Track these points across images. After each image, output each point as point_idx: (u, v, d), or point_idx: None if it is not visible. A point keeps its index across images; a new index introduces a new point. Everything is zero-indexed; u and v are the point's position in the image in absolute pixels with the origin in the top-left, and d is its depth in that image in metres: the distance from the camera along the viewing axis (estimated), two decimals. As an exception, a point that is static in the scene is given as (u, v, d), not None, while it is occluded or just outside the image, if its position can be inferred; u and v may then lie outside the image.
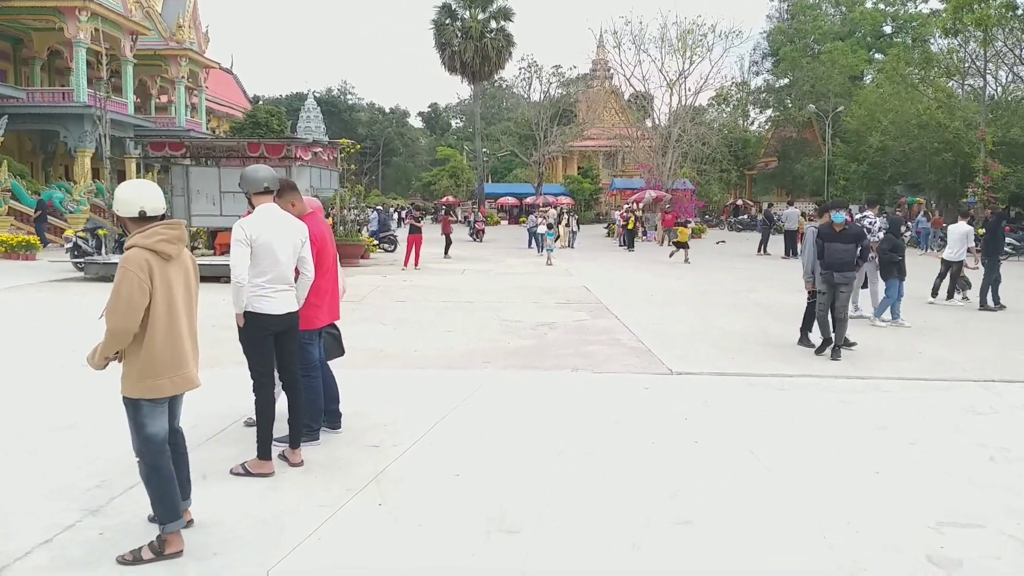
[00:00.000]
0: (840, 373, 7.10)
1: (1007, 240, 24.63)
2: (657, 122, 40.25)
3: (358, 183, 19.87)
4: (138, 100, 42.38)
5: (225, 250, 17.47)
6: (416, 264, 18.02)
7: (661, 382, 6.72)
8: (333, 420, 5.05)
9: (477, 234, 30.74)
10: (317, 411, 4.84)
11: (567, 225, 27.58)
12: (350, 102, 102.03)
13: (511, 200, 60.82)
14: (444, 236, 22.32)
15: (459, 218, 46.31)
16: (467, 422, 5.38)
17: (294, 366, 4.47)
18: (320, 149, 18.24)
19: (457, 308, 11.44)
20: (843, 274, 7.53)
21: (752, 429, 5.29)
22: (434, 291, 13.64)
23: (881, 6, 54.29)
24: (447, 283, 15.10)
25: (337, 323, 5.46)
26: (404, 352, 8.01)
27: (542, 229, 21.55)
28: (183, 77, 37.92)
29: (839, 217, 7.61)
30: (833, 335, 7.68)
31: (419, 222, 18.35)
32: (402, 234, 20.04)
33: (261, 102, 71.09)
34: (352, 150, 19.84)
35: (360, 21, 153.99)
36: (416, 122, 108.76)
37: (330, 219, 24.52)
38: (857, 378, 6.93)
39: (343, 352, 5.49)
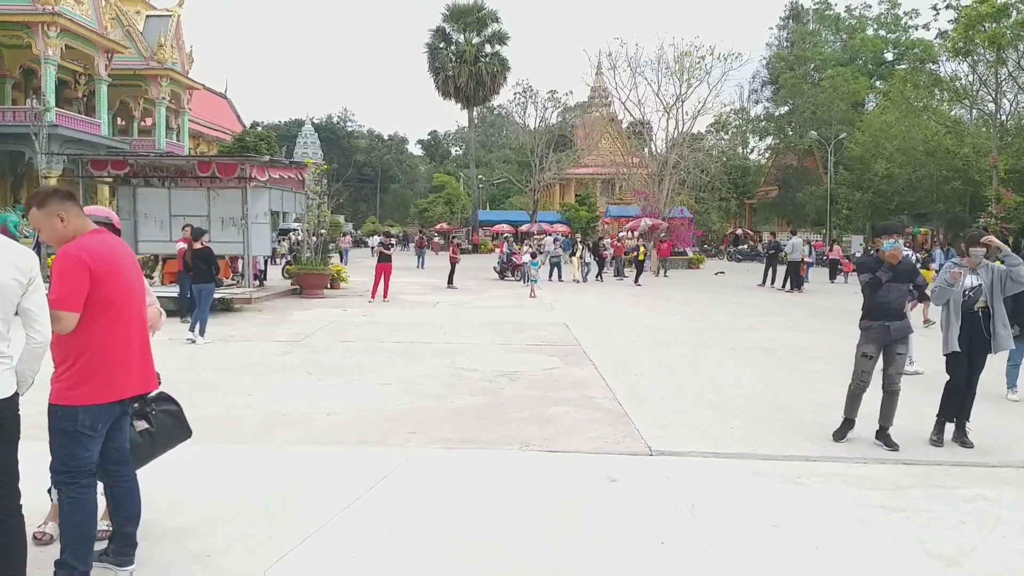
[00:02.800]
0: (871, 455, 5.39)
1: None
2: (655, 149, 38.93)
3: (324, 205, 18.26)
4: (123, 123, 41.21)
5: (172, 279, 15.85)
6: (385, 296, 16.37)
7: (635, 469, 5.01)
8: (123, 550, 3.33)
9: (512, 271, 24.03)
10: (84, 541, 3.12)
11: (580, 257, 24.29)
12: (349, 129, 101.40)
13: (506, 227, 59.36)
14: (451, 264, 21.00)
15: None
16: (335, 553, 3.66)
17: (8, 488, 2.76)
18: (282, 169, 16.68)
19: (409, 351, 9.75)
20: (900, 325, 5.50)
21: (760, 563, 3.57)
22: (392, 329, 11.96)
23: (882, 33, 53.35)
24: (412, 319, 13.43)
25: (167, 395, 3.76)
26: (314, 415, 6.31)
27: (526, 258, 19.93)
28: (164, 98, 36.61)
29: (891, 245, 5.48)
30: (880, 418, 5.58)
31: (389, 250, 16.70)
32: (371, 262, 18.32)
33: (260, 128, 70.08)
34: (319, 171, 18.29)
35: (362, 50, 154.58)
36: (416, 150, 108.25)
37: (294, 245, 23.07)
38: (896, 462, 5.22)
39: (189, 433, 3.77)
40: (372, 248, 48.10)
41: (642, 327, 12.73)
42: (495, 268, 25.40)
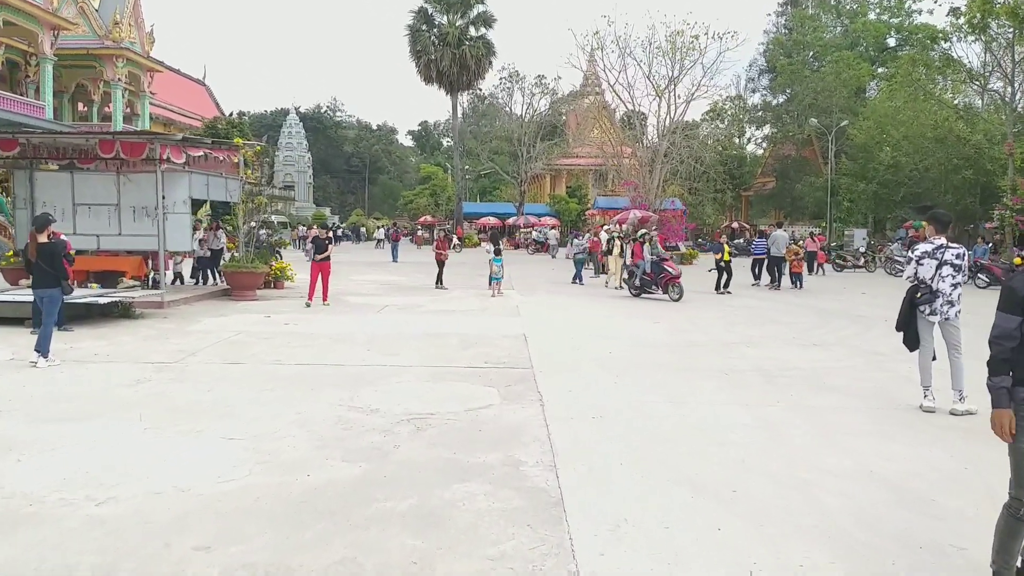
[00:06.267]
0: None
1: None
2: (648, 138, 36.63)
3: (259, 194, 15.94)
4: (84, 108, 38.66)
5: (83, 278, 13.57)
6: (324, 298, 14.12)
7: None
8: None
9: (666, 285, 15.78)
10: None
11: (621, 254, 18.96)
12: (338, 119, 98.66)
13: (493, 220, 57.03)
14: (437, 263, 18.69)
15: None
16: None
17: None
18: (206, 149, 14.34)
19: (305, 378, 7.51)
20: None
21: None
22: (306, 343, 9.72)
23: (885, 17, 51.03)
24: (341, 328, 11.18)
25: None
26: (74, 506, 4.07)
27: (489, 255, 17.67)
28: (120, 80, 34.12)
29: None
30: None
31: (327, 245, 14.41)
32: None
33: (247, 117, 67.46)
34: (251, 153, 15.91)
35: (353, 39, 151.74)
36: (407, 141, 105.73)
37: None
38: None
39: None
40: (378, 242, 45.72)
41: (617, 340, 10.51)
42: (625, 281, 17.70)
